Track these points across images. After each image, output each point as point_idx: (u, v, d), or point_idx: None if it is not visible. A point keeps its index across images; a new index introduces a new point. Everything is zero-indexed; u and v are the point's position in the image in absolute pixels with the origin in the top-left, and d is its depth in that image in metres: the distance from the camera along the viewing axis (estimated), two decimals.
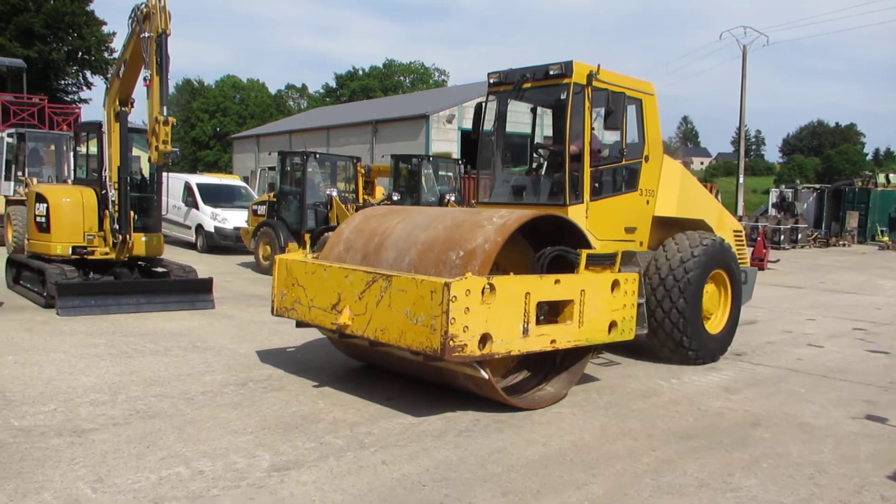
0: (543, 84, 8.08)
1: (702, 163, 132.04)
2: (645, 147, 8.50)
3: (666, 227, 8.70)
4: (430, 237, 6.36)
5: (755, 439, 5.83)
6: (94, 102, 53.11)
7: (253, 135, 58.33)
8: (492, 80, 8.62)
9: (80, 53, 49.33)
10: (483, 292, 5.48)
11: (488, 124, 8.67)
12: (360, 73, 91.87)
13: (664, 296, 8.05)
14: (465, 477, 4.79)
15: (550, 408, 6.50)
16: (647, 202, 8.56)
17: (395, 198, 17.40)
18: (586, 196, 7.88)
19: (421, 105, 42.60)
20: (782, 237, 30.65)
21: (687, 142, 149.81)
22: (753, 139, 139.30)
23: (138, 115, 11.42)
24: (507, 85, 8.44)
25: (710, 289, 8.55)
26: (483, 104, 8.71)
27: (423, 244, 6.34)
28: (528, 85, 8.21)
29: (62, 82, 50.26)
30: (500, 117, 8.69)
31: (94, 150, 11.90)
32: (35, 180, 16.95)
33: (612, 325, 6.71)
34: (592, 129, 7.92)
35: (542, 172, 8.47)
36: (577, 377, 6.90)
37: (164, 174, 12.24)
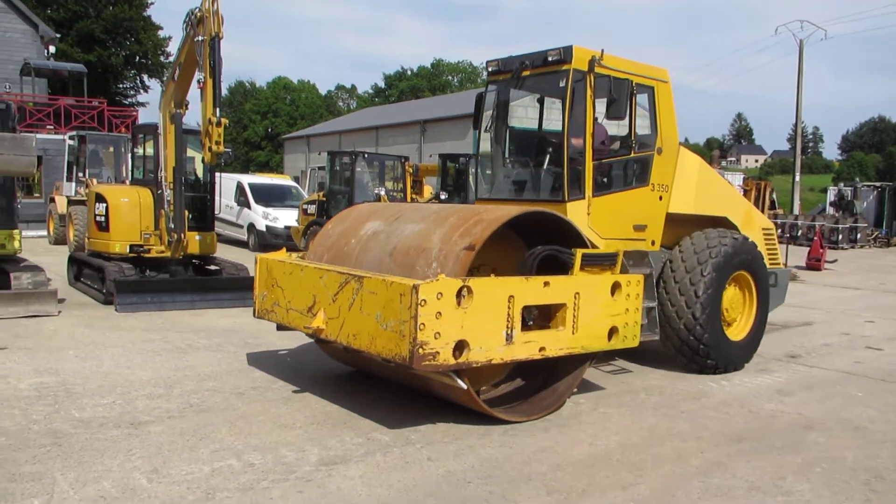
0: (542, 71, 7.47)
1: (756, 161, 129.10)
2: (658, 138, 7.82)
3: (683, 225, 8.08)
4: (413, 236, 5.98)
5: (808, 443, 5.69)
6: (150, 105, 54.59)
7: (303, 135, 59.16)
8: (490, 69, 8.08)
9: (138, 58, 50.70)
10: (459, 296, 5.05)
11: (488, 116, 8.17)
12: (409, 73, 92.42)
13: (678, 300, 7.54)
14: (509, 475, 4.80)
15: (597, 407, 6.46)
16: (660, 198, 7.87)
17: (442, 197, 17.50)
18: (588, 191, 7.26)
19: (469, 104, 42.40)
20: (840, 237, 29.74)
21: (741, 139, 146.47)
22: (811, 136, 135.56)
23: (192, 117, 11.70)
24: (507, 73, 7.85)
25: (731, 292, 8.02)
26: (482, 94, 8.23)
27: (404, 244, 5.96)
28: (527, 73, 7.61)
29: (120, 86, 51.75)
30: (501, 108, 8.11)
31: (150, 151, 12.25)
32: (95, 181, 17.52)
33: (613, 331, 6.19)
34: (596, 119, 7.35)
35: (545, 166, 7.77)
36: (573, 387, 6.39)
37: (217, 174, 12.53)
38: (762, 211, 21.55)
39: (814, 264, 20.10)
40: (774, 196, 28.56)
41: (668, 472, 4.98)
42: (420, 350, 4.88)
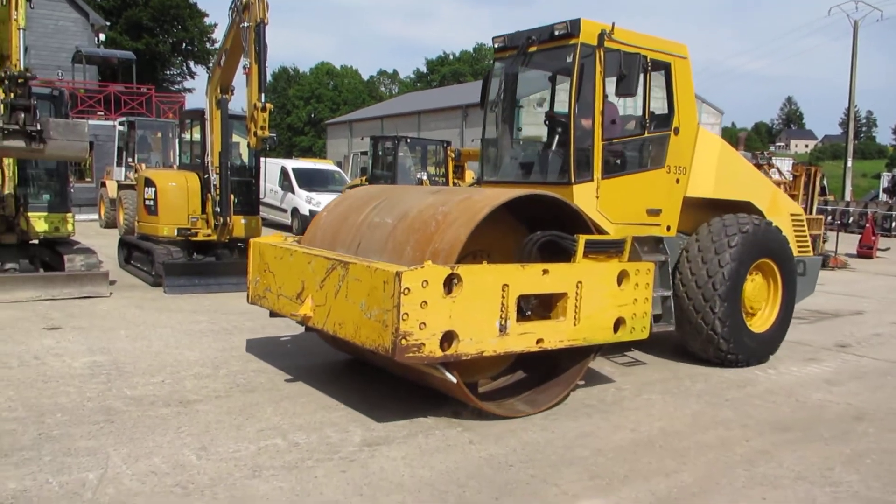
0: (549, 46, 7.06)
1: (806, 146, 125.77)
2: (675, 117, 7.36)
3: (703, 210, 7.65)
4: (406, 221, 5.69)
5: (858, 434, 5.57)
6: (197, 91, 55.47)
7: (346, 120, 59.56)
8: (497, 45, 7.65)
9: (184, 44, 51.58)
10: (447, 284, 4.79)
11: (494, 94, 7.76)
12: (451, 57, 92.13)
13: (696, 288, 7.16)
14: (551, 459, 4.81)
15: (640, 393, 6.41)
16: (677, 181, 7.40)
17: None
18: (597, 173, 6.83)
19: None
20: (894, 224, 28.87)
21: (790, 123, 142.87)
22: (864, 120, 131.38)
23: (238, 103, 11.86)
24: (513, 50, 7.41)
25: (754, 281, 7.60)
26: (489, 72, 7.86)
27: (398, 229, 5.68)
28: (534, 49, 7.20)
29: (167, 72, 52.72)
30: (508, 86, 7.69)
31: (197, 136, 12.46)
32: (143, 166, 17.91)
33: (620, 322, 5.85)
34: (606, 96, 6.91)
35: (553, 147, 7.27)
36: (575, 381, 6.07)
37: (262, 159, 12.69)
38: (812, 197, 21.03)
39: (865, 252, 19.58)
40: (825, 182, 27.76)
41: (712, 459, 4.93)
42: (403, 341, 4.63)
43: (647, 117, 7.21)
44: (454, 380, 5.06)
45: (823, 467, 4.86)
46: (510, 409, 5.69)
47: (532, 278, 5.29)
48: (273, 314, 6.52)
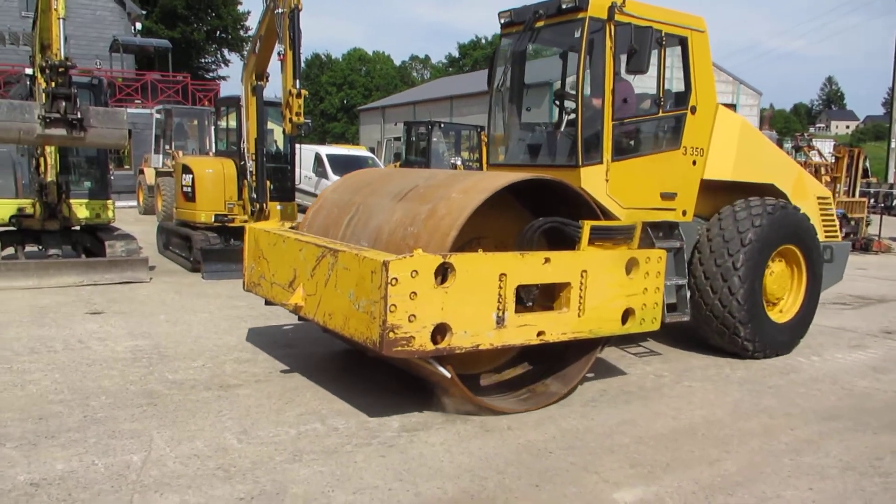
0: (557, 21, 6.70)
1: (847, 127, 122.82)
2: (692, 95, 6.97)
3: (723, 193, 7.29)
4: (402, 207, 5.43)
5: None
6: (231, 79, 56.01)
7: (378, 106, 59.64)
8: (502, 21, 7.27)
9: (218, 32, 51.93)
10: (438, 274, 4.53)
11: (501, 73, 7.42)
12: (483, 41, 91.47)
13: (713, 276, 6.83)
14: (591, 446, 4.76)
15: (680, 381, 6.32)
16: (694, 163, 7.02)
17: None
18: (606, 155, 6.48)
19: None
20: None
21: (831, 104, 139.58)
22: None
23: (271, 90, 11.90)
24: (519, 25, 7.04)
25: (777, 268, 7.25)
26: (495, 50, 7.48)
27: (392, 216, 5.41)
28: (541, 24, 6.85)
29: (202, 60, 53.16)
30: (516, 64, 7.35)
31: (233, 123, 12.54)
32: (181, 153, 18.11)
33: (628, 313, 5.53)
34: (617, 73, 6.55)
35: (562, 128, 6.96)
36: (581, 375, 5.77)
37: (297, 146, 12.74)
38: (855, 180, 20.54)
39: None
40: (867, 164, 27.08)
41: (756, 448, 4.84)
42: (391, 334, 4.38)
43: (661, 95, 6.85)
44: (448, 374, 4.84)
45: (872, 457, 4.74)
46: (511, 405, 5.42)
47: (532, 267, 5.00)
48: (268, 302, 6.27)
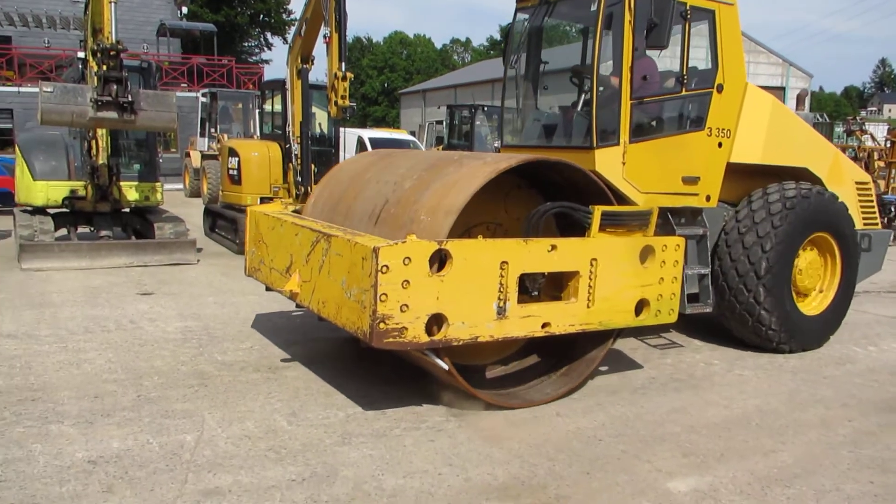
0: None
1: None
2: (718, 73, 6.54)
3: (752, 177, 6.88)
4: (405, 190, 5.11)
5: None
6: (273, 62, 56.37)
7: (419, 90, 59.55)
8: None
9: (262, 16, 52.24)
10: (434, 261, 4.29)
11: (516, 50, 7.10)
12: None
13: (738, 264, 6.49)
14: (641, 434, 4.69)
15: (732, 369, 6.19)
16: (720, 145, 6.60)
17: None
18: (623, 136, 6.12)
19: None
20: None
21: (884, 87, 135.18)
22: None
23: (314, 74, 11.91)
24: None
25: (808, 257, 6.87)
26: (511, 25, 7.15)
27: (394, 198, 5.11)
28: None
29: (245, 44, 53.59)
30: (532, 40, 7.00)
31: (278, 107, 12.62)
32: (226, 136, 18.31)
33: (643, 304, 5.23)
34: (636, 49, 6.13)
35: (579, 108, 6.56)
36: (592, 368, 5.46)
37: (340, 129, 12.77)
38: None
39: None
40: None
41: (813, 439, 4.72)
42: (381, 325, 4.17)
43: (684, 73, 6.42)
44: (445, 366, 4.60)
45: None
46: (516, 400, 5.16)
47: (536, 255, 4.70)
48: (269, 289, 6.00)
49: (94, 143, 10.36)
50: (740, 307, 6.55)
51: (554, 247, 4.76)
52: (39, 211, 10.56)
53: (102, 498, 3.62)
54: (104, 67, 8.77)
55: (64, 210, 10.70)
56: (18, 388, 5.10)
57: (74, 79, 11.30)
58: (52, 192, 10.52)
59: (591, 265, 4.93)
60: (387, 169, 5.60)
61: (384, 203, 5.12)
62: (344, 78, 9.96)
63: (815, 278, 7.01)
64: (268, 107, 13.45)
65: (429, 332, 4.36)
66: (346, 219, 5.44)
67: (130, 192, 11.00)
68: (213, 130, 20.29)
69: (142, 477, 3.85)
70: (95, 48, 8.97)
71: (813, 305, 7.03)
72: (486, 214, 5.28)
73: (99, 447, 4.19)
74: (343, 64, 10.00)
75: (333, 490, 3.79)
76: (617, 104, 6.15)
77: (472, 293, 4.46)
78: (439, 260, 4.34)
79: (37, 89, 8.91)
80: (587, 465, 4.21)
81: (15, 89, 26.66)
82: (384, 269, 4.11)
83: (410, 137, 26.57)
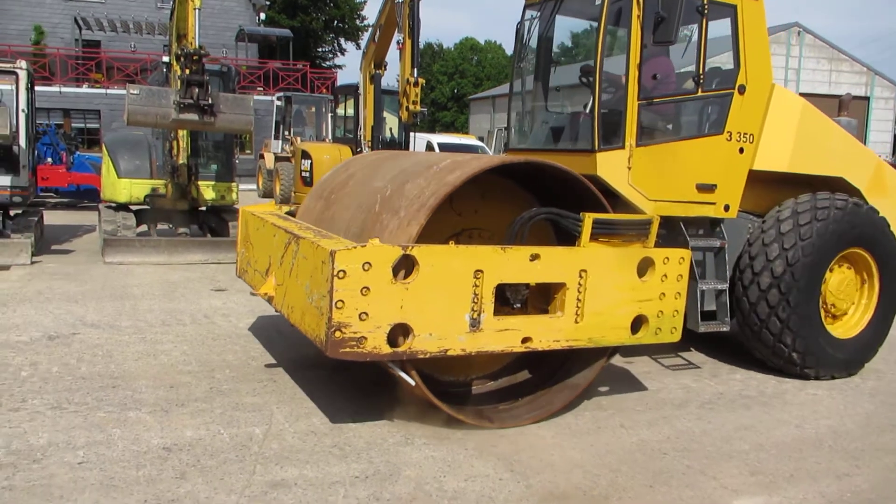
0: None
1: None
2: (741, 74, 6.06)
3: (782, 186, 6.41)
4: (384, 190, 4.87)
5: None
6: (346, 68, 57.42)
7: (488, 96, 59.62)
8: None
9: (336, 22, 53.29)
10: (399, 267, 4.05)
11: (527, 49, 6.81)
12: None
13: (760, 276, 6.00)
14: (708, 450, 4.59)
15: (804, 388, 5.99)
16: (741, 150, 6.11)
17: None
18: (629, 139, 5.71)
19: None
20: None
21: None
22: None
23: (386, 78, 12.09)
24: None
25: (840, 275, 6.33)
26: (520, 22, 6.85)
27: (370, 200, 4.90)
28: None
29: (319, 49, 54.73)
30: (542, 39, 6.69)
31: (350, 111, 12.88)
32: (299, 139, 18.76)
33: (641, 320, 4.86)
34: (645, 46, 5.77)
35: (587, 109, 6.12)
36: (581, 389, 5.09)
37: (411, 133, 12.93)
38: None
39: None
40: None
41: (891, 465, 4.54)
42: (337, 333, 3.92)
43: (701, 72, 5.92)
44: (412, 382, 4.35)
45: None
46: (498, 419, 4.81)
47: (516, 264, 4.39)
48: (252, 292, 5.69)
49: (175, 143, 10.78)
50: (761, 325, 6.08)
51: (536, 256, 4.46)
52: (123, 207, 11.05)
53: (176, 484, 3.77)
54: (187, 71, 9.12)
55: (145, 207, 11.15)
56: (100, 376, 5.36)
57: (159, 82, 11.79)
58: (134, 189, 11.00)
59: (581, 277, 4.61)
60: (378, 171, 5.37)
61: (370, 206, 4.91)
62: (416, 83, 10.13)
63: (848, 298, 6.47)
64: (340, 111, 13.76)
65: (392, 343, 4.11)
66: (332, 223, 5.25)
67: (207, 191, 11.39)
68: (286, 133, 20.80)
69: (213, 466, 3.99)
70: (179, 53, 9.35)
71: (847, 328, 6.48)
72: (480, 220, 5.01)
73: (173, 435, 4.36)
74: (415, 70, 10.17)
75: (396, 489, 3.85)
76: (623, 104, 5.78)
77: (441, 303, 4.18)
78: (407, 266, 4.12)
79: (123, 91, 9.35)
80: (650, 478, 4.16)
81: (103, 91, 27.99)
82: (340, 275, 3.88)
83: (479, 142, 26.63)
